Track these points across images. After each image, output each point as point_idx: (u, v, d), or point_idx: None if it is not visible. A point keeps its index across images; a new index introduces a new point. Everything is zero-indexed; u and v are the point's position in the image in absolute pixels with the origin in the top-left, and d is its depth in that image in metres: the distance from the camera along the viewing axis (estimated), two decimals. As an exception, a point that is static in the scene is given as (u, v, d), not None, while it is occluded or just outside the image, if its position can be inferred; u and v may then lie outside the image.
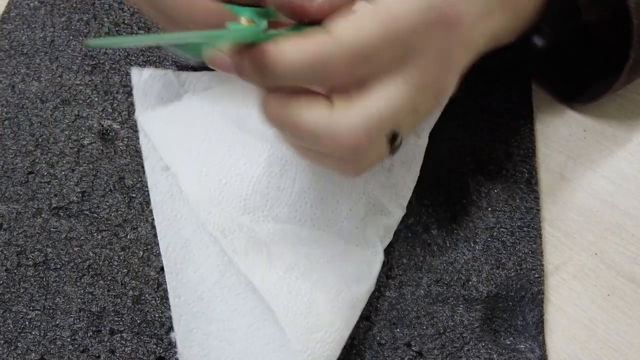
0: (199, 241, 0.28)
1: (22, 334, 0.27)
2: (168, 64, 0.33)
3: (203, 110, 0.30)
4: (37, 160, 0.31)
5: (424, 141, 0.30)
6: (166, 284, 0.28)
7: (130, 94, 0.33)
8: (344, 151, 0.22)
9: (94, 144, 0.31)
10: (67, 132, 0.32)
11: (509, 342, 0.27)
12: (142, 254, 0.29)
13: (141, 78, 0.31)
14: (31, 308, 0.28)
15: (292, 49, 0.20)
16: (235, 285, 0.27)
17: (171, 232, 0.28)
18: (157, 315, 0.27)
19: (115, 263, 0.29)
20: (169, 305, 0.28)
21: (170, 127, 0.30)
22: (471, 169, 0.31)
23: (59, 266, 0.28)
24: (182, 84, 0.31)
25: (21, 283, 0.28)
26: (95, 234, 0.29)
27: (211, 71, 0.32)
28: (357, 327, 0.27)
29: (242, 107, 0.30)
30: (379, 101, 0.21)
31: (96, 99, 0.33)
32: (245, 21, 0.21)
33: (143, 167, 0.31)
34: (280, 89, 0.22)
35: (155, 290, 0.28)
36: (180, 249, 0.28)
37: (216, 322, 0.26)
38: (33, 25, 0.34)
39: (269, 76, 0.21)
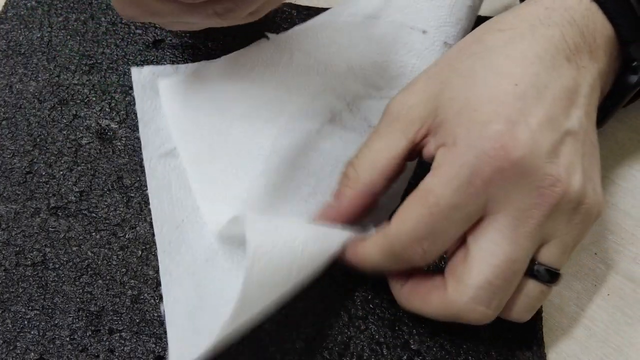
0: (194, 222, 0.28)
1: (21, 334, 0.27)
2: (166, 63, 0.33)
3: (212, 82, 0.30)
4: (35, 160, 0.31)
5: None
6: (165, 284, 0.28)
7: (127, 93, 0.33)
8: (471, 321, 0.24)
9: (92, 144, 0.31)
10: (65, 132, 0.32)
11: (507, 340, 0.27)
12: (140, 253, 0.29)
13: (140, 75, 0.32)
14: (30, 308, 0.28)
15: (366, 248, 0.25)
16: (227, 263, 0.27)
17: (166, 213, 0.28)
18: (156, 315, 0.27)
19: (114, 262, 0.29)
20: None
21: (182, 99, 0.30)
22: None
23: (57, 266, 0.28)
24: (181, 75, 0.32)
25: (20, 283, 0.28)
26: (93, 234, 0.29)
27: (207, 60, 0.32)
28: (355, 326, 0.27)
29: (250, 88, 0.29)
30: (483, 268, 0.23)
31: (94, 98, 0.32)
32: None
33: (141, 166, 0.31)
34: (400, 275, 0.26)
35: (154, 289, 0.28)
36: (174, 229, 0.28)
37: (206, 296, 0.26)
38: (30, 25, 0.34)
39: (365, 267, 0.25)
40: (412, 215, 0.23)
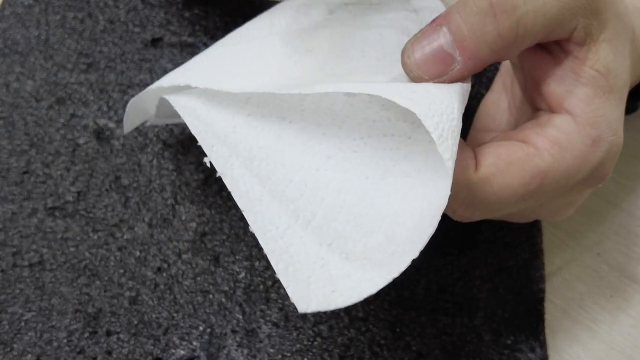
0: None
1: (18, 335, 0.27)
2: (164, 61, 0.33)
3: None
4: (32, 160, 0.31)
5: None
6: (163, 285, 0.28)
7: (125, 92, 0.32)
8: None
9: (89, 143, 0.31)
10: (62, 132, 0.31)
11: (509, 342, 0.27)
12: (138, 254, 0.28)
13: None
14: (27, 309, 0.27)
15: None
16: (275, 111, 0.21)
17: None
18: (154, 316, 0.27)
19: (112, 263, 0.28)
20: (166, 306, 0.27)
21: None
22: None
23: (54, 267, 0.28)
24: None
25: (17, 284, 0.28)
26: (91, 234, 0.29)
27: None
28: (355, 328, 0.27)
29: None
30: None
31: (91, 97, 0.32)
32: None
33: (139, 166, 0.31)
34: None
35: (152, 290, 0.28)
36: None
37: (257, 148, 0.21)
38: (27, 24, 0.34)
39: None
40: (509, 191, 0.20)
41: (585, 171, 0.21)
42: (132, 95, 0.32)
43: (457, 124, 0.18)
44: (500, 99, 0.26)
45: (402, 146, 0.20)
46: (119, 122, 0.32)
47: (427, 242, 0.18)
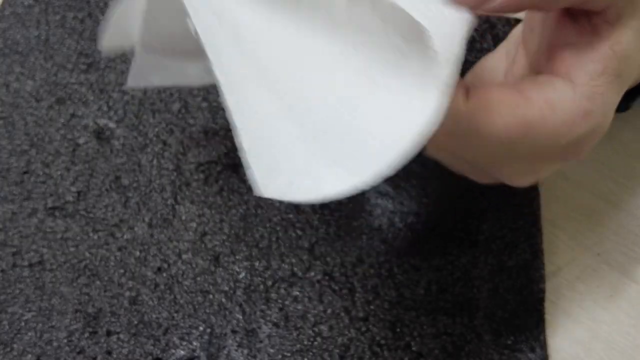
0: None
1: (18, 335, 0.27)
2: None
3: None
4: (32, 160, 0.31)
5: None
6: (163, 285, 0.28)
7: (125, 92, 0.32)
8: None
9: (89, 143, 0.31)
10: (62, 132, 0.31)
11: (509, 342, 0.27)
12: (138, 254, 0.29)
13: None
14: (27, 309, 0.27)
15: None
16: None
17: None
18: (154, 316, 0.27)
19: (112, 263, 0.28)
20: (166, 306, 0.27)
21: None
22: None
23: (54, 267, 0.28)
24: None
25: (17, 284, 0.28)
26: (91, 234, 0.29)
27: None
28: (355, 328, 0.27)
29: None
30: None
31: (92, 97, 0.32)
32: None
33: (139, 166, 0.31)
34: None
35: (153, 290, 0.28)
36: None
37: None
38: (27, 24, 0.34)
39: None
40: (491, 130, 0.20)
41: (566, 140, 0.21)
42: (132, 96, 0.32)
43: (461, 51, 0.18)
44: (499, 66, 0.26)
45: (393, 61, 0.19)
46: (119, 122, 0.32)
47: (401, 162, 0.17)
